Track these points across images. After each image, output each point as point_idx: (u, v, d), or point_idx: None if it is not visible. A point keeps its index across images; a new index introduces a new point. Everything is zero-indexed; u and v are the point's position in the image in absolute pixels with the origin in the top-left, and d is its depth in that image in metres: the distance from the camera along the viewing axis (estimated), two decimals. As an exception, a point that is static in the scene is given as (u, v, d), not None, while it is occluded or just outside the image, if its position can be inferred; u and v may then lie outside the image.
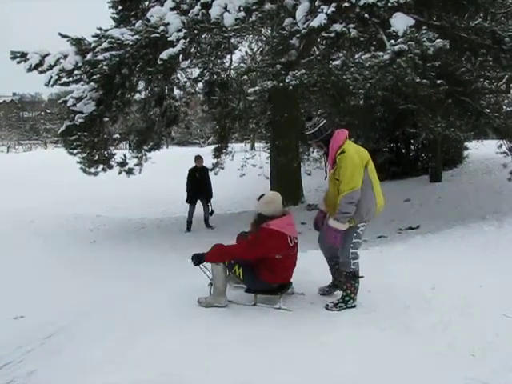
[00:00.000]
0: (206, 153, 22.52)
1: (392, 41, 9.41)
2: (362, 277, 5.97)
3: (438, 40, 9.16)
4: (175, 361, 4.86)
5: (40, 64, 13.03)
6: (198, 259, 5.74)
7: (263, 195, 5.91)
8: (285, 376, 4.52)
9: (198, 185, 15.23)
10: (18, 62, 13.13)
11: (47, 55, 13.08)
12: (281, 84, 11.31)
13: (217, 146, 20.15)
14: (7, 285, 10.26)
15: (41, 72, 13.08)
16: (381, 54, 9.63)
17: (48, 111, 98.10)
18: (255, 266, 5.67)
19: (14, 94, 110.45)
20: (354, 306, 5.95)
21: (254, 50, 21.01)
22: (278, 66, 11.67)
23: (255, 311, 5.87)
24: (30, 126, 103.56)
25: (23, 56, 13.12)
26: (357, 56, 10.70)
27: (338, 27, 10.13)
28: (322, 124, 5.82)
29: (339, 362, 4.72)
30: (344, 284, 5.99)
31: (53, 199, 22.57)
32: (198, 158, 15.58)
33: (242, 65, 18.61)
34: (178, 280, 7.51)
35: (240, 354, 4.89)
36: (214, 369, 4.65)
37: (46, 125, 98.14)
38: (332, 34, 10.21)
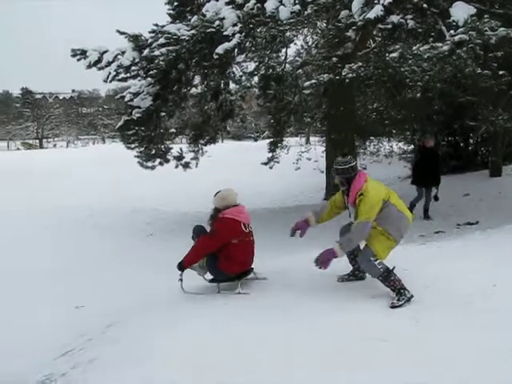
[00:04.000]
0: (261, 147, 22.60)
1: (452, 31, 9.20)
2: (393, 268, 5.98)
3: (501, 29, 8.91)
4: (236, 357, 4.89)
5: (99, 61, 13.26)
6: (180, 267, 6.38)
7: (219, 192, 6.47)
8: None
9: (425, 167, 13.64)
10: (78, 60, 13.39)
11: (106, 52, 13.30)
12: (337, 77, 11.22)
13: (272, 140, 20.11)
14: (68, 275, 10.57)
15: (99, 68, 13.32)
16: (440, 45, 9.43)
17: (105, 107, 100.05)
18: (215, 257, 6.17)
19: (73, 91, 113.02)
20: (412, 296, 5.91)
21: (309, 43, 20.86)
22: (334, 59, 11.60)
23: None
24: (88, 122, 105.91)
25: (83, 53, 13.37)
26: (415, 48, 10.46)
27: (394, 18, 9.96)
28: (352, 164, 6.21)
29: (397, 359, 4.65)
30: (388, 286, 6.02)
31: (111, 193, 22.99)
32: (428, 138, 14.20)
33: (297, 58, 18.55)
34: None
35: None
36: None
37: (103, 120, 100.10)
38: (389, 26, 10.06)
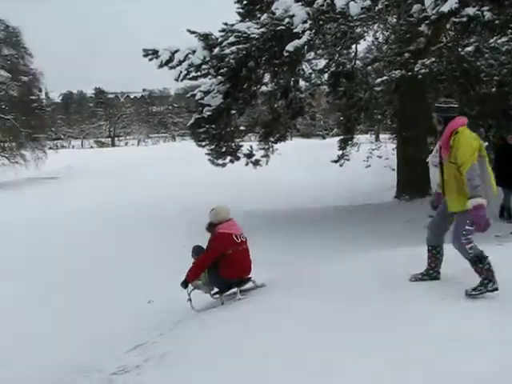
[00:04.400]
0: (330, 144, 22.42)
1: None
2: (487, 257, 5.74)
3: None
4: (296, 355, 4.85)
5: (170, 60, 13.47)
6: (184, 284, 6.91)
7: (213, 209, 7.13)
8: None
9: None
10: (150, 59, 13.66)
11: (177, 51, 13.50)
12: (409, 73, 11.02)
13: (342, 137, 19.92)
14: (137, 271, 10.81)
15: (171, 68, 13.55)
16: (519, 36, 9.13)
17: (175, 105, 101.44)
18: (216, 267, 6.72)
19: (144, 90, 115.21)
20: (496, 289, 5.68)
21: (380, 39, 20.54)
22: (406, 55, 11.38)
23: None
24: (158, 120, 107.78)
25: (154, 53, 13.61)
26: (492, 40, 10.16)
27: (470, 11, 9.70)
28: (454, 106, 6.09)
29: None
30: (475, 271, 5.78)
31: (181, 189, 23.24)
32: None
33: (367, 55, 18.31)
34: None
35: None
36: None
37: (173, 118, 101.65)
38: (464, 19, 9.81)
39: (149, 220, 16.36)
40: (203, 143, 15.00)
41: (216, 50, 12.77)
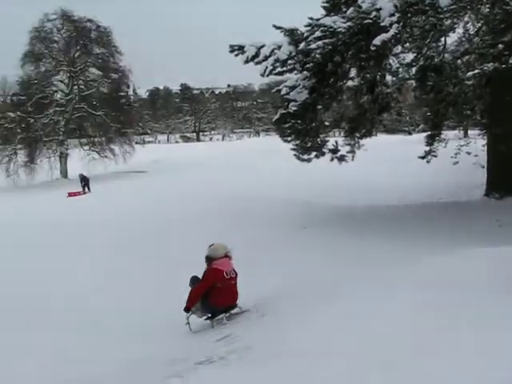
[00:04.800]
0: (417, 140, 21.93)
1: None
2: None
3: None
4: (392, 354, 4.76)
5: (256, 55, 13.53)
6: (185, 310, 7.86)
7: (212, 244, 8.15)
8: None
9: None
10: (236, 55, 13.77)
11: (262, 47, 13.55)
12: (503, 66, 10.58)
13: (429, 133, 19.39)
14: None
15: (257, 63, 13.61)
16: None
17: (259, 101, 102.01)
18: (207, 296, 7.76)
19: (229, 86, 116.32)
20: None
21: (471, 30, 19.83)
22: (500, 46, 10.92)
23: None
24: (242, 115, 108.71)
25: (240, 49, 13.71)
26: None
27: None
28: None
29: None
30: None
31: (266, 184, 23.32)
32: None
33: (457, 48, 17.74)
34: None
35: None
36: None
37: (257, 114, 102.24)
38: None
39: (242, 212, 16.52)
40: (288, 138, 14.98)
41: (302, 45, 12.73)
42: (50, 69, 41.84)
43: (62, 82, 42.49)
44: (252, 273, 9.18)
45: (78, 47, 41.64)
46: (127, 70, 41.99)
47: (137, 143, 44.26)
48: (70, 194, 29.19)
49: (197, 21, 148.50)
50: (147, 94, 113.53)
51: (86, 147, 40.80)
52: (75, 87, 41.68)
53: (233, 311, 7.95)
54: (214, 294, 7.76)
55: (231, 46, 13.79)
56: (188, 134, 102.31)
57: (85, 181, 30.54)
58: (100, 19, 42.00)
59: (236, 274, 8.04)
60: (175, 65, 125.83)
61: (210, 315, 7.94)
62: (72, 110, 40.60)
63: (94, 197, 27.62)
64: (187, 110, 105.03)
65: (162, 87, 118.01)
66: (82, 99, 41.07)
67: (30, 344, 7.63)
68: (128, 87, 46.96)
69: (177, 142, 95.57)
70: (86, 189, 30.26)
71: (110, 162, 39.23)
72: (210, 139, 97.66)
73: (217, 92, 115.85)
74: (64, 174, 39.65)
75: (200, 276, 8.03)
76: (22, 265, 12.26)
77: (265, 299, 7.86)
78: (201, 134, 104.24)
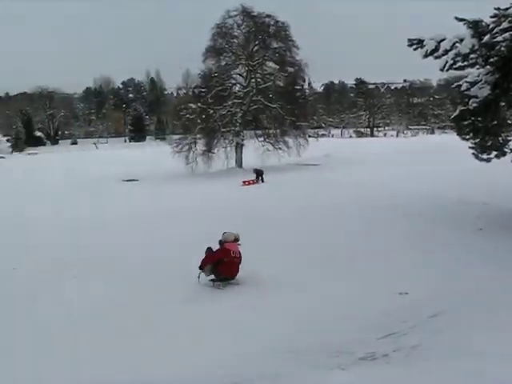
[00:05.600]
0: None
1: None
2: None
3: None
4: None
5: (435, 49, 13.12)
6: (200, 267, 10.45)
7: (225, 232, 10.80)
8: None
9: None
10: (415, 49, 13.46)
11: (443, 40, 13.10)
12: None
13: None
14: (390, 260, 10.84)
15: (436, 57, 13.19)
16: None
17: (436, 97, 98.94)
18: (216, 265, 10.34)
19: (405, 81, 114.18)
20: None
21: None
22: None
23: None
24: (418, 112, 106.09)
25: (419, 43, 13.38)
26: None
27: None
28: None
29: None
30: None
31: (434, 182, 22.55)
32: None
33: None
34: None
35: None
36: None
37: (434, 110, 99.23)
38: None
39: (417, 210, 16.27)
40: (467, 136, 14.35)
41: (486, 38, 12.13)
42: (229, 63, 43.33)
43: (240, 75, 43.86)
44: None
45: (256, 42, 42.69)
46: (303, 64, 42.32)
47: (310, 136, 44.59)
48: (244, 182, 30.48)
49: (375, 20, 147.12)
50: (322, 87, 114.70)
51: (261, 139, 41.83)
52: (253, 80, 42.80)
53: (231, 281, 10.38)
54: (221, 265, 10.28)
55: (410, 40, 13.49)
56: (362, 129, 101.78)
57: (259, 173, 31.58)
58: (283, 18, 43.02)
59: (240, 255, 10.48)
60: (351, 59, 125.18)
61: (213, 277, 10.41)
62: (249, 102, 41.78)
63: (265, 187, 28.49)
64: (361, 105, 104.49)
65: (337, 81, 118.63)
66: (258, 92, 42.09)
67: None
68: (304, 81, 47.41)
69: (350, 136, 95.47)
70: (260, 180, 31.27)
71: (283, 154, 40.00)
72: (384, 135, 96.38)
73: (392, 87, 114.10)
74: (239, 163, 41.01)
75: (214, 249, 10.70)
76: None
77: (436, 298, 7.67)
78: (374, 129, 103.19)
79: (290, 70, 42.70)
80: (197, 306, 9.25)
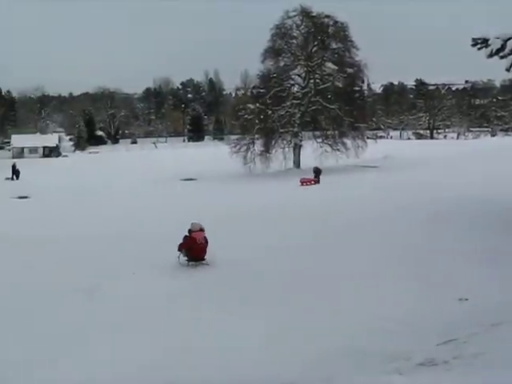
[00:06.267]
0: None
1: None
2: None
3: None
4: None
5: (501, 48, 12.78)
6: (178, 249, 12.79)
7: (193, 223, 13.02)
8: None
9: None
10: (479, 49, 13.16)
11: (510, 39, 12.75)
12: None
13: None
14: (448, 265, 10.58)
15: (502, 57, 12.86)
16: None
17: (500, 98, 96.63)
18: (189, 250, 12.65)
19: (466, 82, 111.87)
20: None
21: None
22: None
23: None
24: (480, 113, 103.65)
25: (484, 42, 13.06)
26: None
27: None
28: None
29: None
30: None
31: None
32: None
33: None
34: None
35: None
36: None
37: (497, 112, 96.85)
38: None
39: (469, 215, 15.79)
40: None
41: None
42: (288, 63, 43.43)
43: (299, 76, 43.91)
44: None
45: (315, 42, 42.62)
46: (363, 65, 41.96)
47: (369, 138, 44.09)
48: (302, 181, 30.37)
49: (437, 20, 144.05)
50: (381, 89, 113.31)
51: (319, 140, 41.68)
52: (311, 81, 42.73)
53: (203, 262, 12.70)
54: (191, 250, 12.61)
55: (474, 40, 13.19)
56: (421, 131, 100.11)
57: (318, 172, 31.36)
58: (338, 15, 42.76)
59: (206, 241, 12.71)
60: (411, 60, 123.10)
61: (186, 259, 12.76)
62: (307, 103, 41.73)
63: (324, 188, 28.25)
64: (421, 107, 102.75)
65: (396, 82, 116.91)
66: (317, 93, 41.95)
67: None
68: (362, 82, 46.92)
69: (409, 138, 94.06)
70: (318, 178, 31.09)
71: (341, 155, 39.71)
72: (444, 137, 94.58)
73: (453, 88, 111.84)
74: (297, 164, 40.93)
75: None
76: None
77: (499, 307, 7.45)
78: (435, 131, 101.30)
79: (349, 70, 42.43)
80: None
